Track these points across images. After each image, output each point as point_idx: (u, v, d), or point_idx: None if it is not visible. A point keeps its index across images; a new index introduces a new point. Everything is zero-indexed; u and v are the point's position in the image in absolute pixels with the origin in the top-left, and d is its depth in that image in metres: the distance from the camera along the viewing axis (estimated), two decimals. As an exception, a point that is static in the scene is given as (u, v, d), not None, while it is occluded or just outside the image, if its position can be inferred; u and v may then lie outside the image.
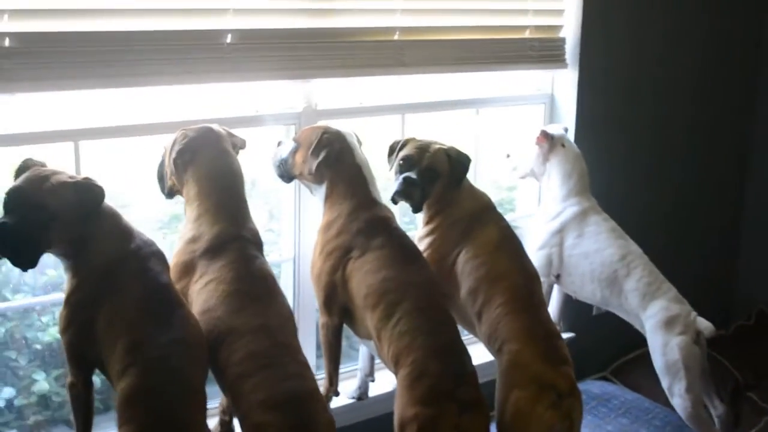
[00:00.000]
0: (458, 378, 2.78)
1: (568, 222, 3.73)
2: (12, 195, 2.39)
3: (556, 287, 3.94)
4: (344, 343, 3.59)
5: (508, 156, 3.91)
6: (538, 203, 4.09)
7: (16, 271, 3.09)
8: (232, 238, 2.76)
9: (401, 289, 2.91)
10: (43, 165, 2.51)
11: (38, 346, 3.16)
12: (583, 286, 3.75)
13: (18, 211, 2.36)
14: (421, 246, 3.27)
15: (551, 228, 3.76)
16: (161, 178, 2.91)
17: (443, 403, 2.72)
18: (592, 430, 3.82)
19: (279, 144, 3.18)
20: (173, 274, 2.73)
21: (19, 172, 2.48)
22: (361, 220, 3.03)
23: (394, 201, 3.19)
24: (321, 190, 3.11)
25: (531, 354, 2.93)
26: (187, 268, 2.76)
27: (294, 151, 3.11)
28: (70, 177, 2.47)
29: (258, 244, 2.85)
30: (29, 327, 3.16)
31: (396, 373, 2.86)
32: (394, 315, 2.87)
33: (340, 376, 3.49)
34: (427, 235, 3.29)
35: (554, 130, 3.83)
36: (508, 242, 3.22)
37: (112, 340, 2.42)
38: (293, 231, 3.43)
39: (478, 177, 3.93)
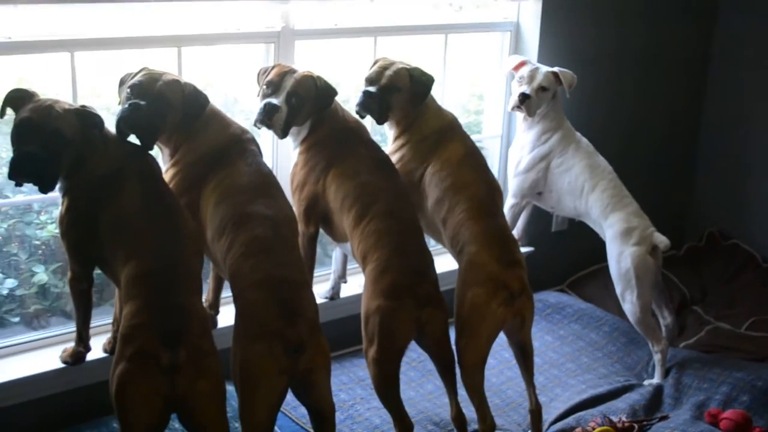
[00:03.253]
0: (419, 275, 3.05)
1: (554, 145, 4.00)
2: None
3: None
4: (319, 250, 3.88)
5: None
6: (504, 128, 4.37)
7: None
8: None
9: (375, 193, 3.17)
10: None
11: (37, 242, 3.42)
12: (560, 200, 4.04)
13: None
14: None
15: (538, 153, 4.02)
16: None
17: (404, 297, 2.98)
18: (547, 334, 4.17)
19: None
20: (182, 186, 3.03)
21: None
22: (341, 135, 3.30)
23: (359, 114, 3.44)
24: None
25: (488, 255, 3.18)
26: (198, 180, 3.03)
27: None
28: None
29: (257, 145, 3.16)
30: (28, 225, 3.41)
31: (364, 269, 3.14)
32: (366, 216, 3.14)
33: (316, 280, 3.81)
34: (396, 150, 3.54)
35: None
36: (473, 157, 3.47)
37: (115, 228, 2.70)
38: (271, 144, 3.68)
39: (446, 100, 4.19)
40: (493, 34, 4.42)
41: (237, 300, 2.77)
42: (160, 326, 2.49)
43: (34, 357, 3.20)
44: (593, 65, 4.57)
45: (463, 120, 4.61)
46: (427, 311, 3.02)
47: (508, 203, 4.12)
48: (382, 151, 3.37)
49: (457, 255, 3.30)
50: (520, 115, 4.06)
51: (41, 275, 3.38)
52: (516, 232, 4.28)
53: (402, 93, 3.43)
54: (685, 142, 5.35)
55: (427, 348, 3.17)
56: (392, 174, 3.29)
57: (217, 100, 3.67)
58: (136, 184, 2.76)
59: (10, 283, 3.34)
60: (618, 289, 3.81)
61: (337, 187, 3.24)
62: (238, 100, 3.89)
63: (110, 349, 3.14)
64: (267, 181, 3.02)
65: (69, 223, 2.80)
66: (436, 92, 3.97)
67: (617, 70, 4.75)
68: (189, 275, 2.68)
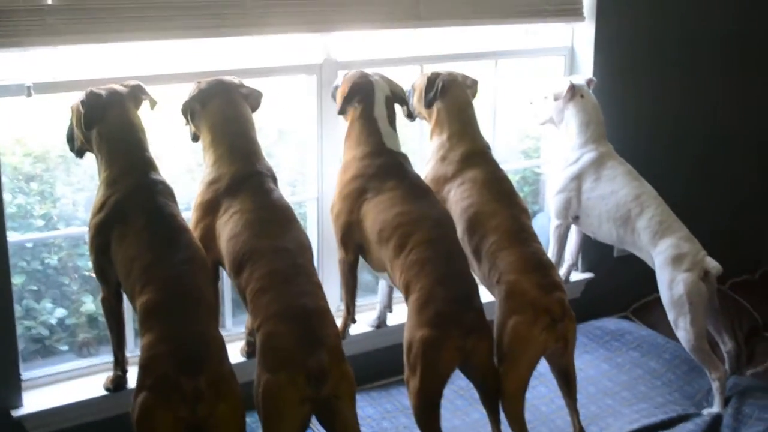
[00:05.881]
0: (463, 304, 3.01)
1: (586, 167, 3.93)
2: None
3: (574, 227, 4.16)
4: (370, 278, 3.89)
5: (531, 103, 4.14)
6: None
7: (71, 206, 3.51)
8: (250, 174, 3.05)
9: (413, 223, 3.16)
10: None
11: (86, 273, 3.52)
12: (600, 226, 3.96)
13: None
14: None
15: (570, 173, 3.97)
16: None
17: (448, 326, 2.96)
18: (603, 362, 4.06)
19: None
20: (199, 212, 3.08)
21: None
22: (373, 166, 3.31)
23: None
24: (346, 128, 3.45)
25: (526, 283, 3.14)
26: (212, 206, 3.06)
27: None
28: None
29: (273, 178, 3.14)
30: (80, 256, 3.51)
31: (406, 299, 3.12)
32: (406, 246, 3.12)
33: (364, 308, 3.82)
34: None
35: (576, 80, 4.02)
36: (495, 183, 3.44)
37: (126, 262, 2.78)
38: (316, 172, 3.72)
39: (498, 126, 4.17)
40: (547, 58, 4.38)
41: (258, 333, 2.79)
42: (179, 355, 2.54)
43: (82, 384, 3.30)
44: (653, 86, 4.47)
45: (523, 145, 4.61)
46: (471, 340, 2.99)
47: (552, 224, 4.07)
48: (419, 178, 3.36)
49: (495, 284, 3.26)
50: None
51: (89, 305, 3.50)
52: (569, 256, 4.22)
53: None
54: (760, 160, 5.14)
55: (472, 376, 3.14)
56: (430, 201, 3.27)
57: (268, 133, 3.78)
58: (140, 212, 2.84)
59: (60, 312, 3.46)
60: (671, 317, 3.71)
61: (372, 220, 3.25)
62: (286, 131, 3.96)
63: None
64: (277, 214, 3.02)
65: (90, 245, 2.93)
66: (488, 117, 3.97)
67: (677, 88, 4.62)
68: (201, 301, 2.73)
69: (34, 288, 3.45)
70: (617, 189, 3.86)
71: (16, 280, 3.35)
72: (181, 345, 2.57)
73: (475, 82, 3.63)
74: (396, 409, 3.61)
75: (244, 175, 3.05)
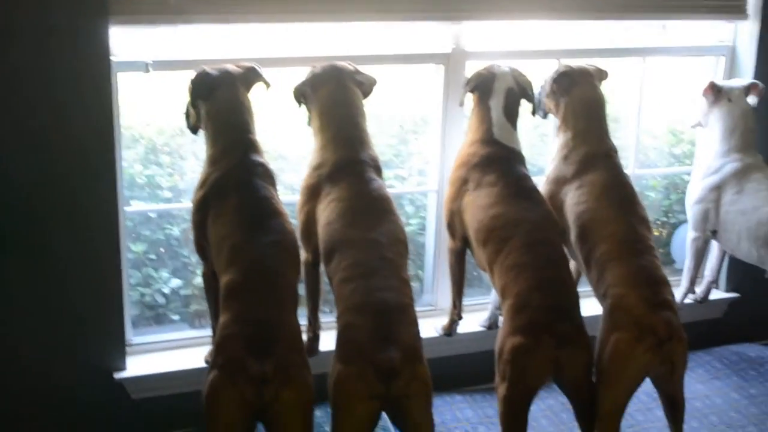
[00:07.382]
0: (560, 313, 2.88)
1: (728, 178, 3.65)
2: None
3: (715, 244, 3.87)
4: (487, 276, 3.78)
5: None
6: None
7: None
8: (353, 162, 3.02)
9: (510, 226, 3.05)
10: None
11: (206, 246, 3.64)
12: (739, 244, 3.65)
13: None
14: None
15: (709, 183, 3.70)
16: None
17: (541, 334, 2.83)
18: (734, 391, 3.77)
19: None
20: (303, 196, 3.10)
21: None
22: (477, 155, 3.22)
23: None
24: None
25: (634, 298, 2.94)
26: (315, 191, 3.06)
27: None
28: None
29: (377, 168, 3.09)
30: (200, 230, 3.64)
31: (503, 305, 3.02)
32: (503, 250, 3.02)
33: (478, 308, 3.72)
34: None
35: (728, 83, 3.73)
36: (615, 189, 3.23)
37: (218, 240, 2.83)
38: (439, 164, 3.65)
39: (645, 127, 3.93)
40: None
41: (337, 322, 2.78)
42: (249, 337, 2.56)
43: (187, 354, 3.39)
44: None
45: (676, 149, 4.33)
46: (566, 352, 2.85)
47: (689, 236, 3.80)
48: (525, 177, 3.22)
49: (602, 297, 3.08)
50: None
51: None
52: (709, 272, 3.94)
53: None
54: None
55: (566, 392, 3.00)
56: (532, 202, 3.13)
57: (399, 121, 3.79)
58: (235, 192, 2.86)
59: (176, 282, 3.59)
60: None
61: (470, 217, 3.18)
62: (426, 120, 3.90)
63: None
64: (374, 205, 2.97)
65: (192, 221, 3.01)
66: (630, 118, 3.75)
67: None
68: (281, 286, 2.73)
69: (154, 257, 3.59)
70: (760, 205, 3.53)
71: (138, 247, 3.51)
72: (252, 327, 2.59)
73: (607, 74, 3.43)
74: (496, 415, 3.49)
75: (346, 162, 3.03)
